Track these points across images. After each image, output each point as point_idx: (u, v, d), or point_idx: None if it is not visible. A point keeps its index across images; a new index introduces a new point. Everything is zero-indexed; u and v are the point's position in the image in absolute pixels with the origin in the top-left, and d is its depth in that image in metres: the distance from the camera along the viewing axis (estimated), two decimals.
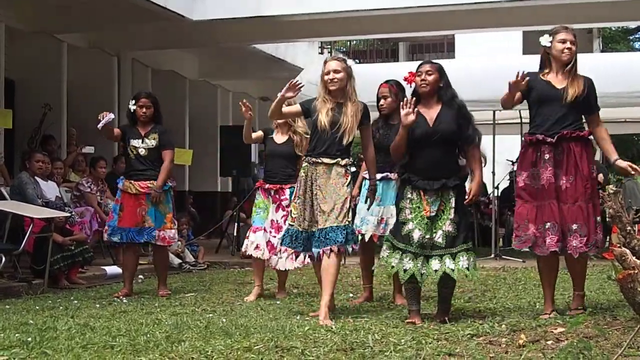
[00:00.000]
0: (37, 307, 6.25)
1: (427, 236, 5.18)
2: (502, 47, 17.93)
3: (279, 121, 6.79)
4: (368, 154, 5.85)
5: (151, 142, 7.17)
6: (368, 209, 6.29)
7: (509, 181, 12.92)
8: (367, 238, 6.32)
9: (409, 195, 5.28)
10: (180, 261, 9.71)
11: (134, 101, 7.22)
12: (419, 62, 5.52)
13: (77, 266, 8.25)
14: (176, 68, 14.89)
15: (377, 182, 6.08)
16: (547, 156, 5.32)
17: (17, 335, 4.75)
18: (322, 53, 17.46)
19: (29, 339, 4.56)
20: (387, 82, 6.48)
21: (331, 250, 5.48)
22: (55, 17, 11.32)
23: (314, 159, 5.63)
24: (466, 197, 5.30)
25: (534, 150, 5.39)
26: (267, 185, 6.97)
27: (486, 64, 11.24)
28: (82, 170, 10.68)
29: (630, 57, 13.86)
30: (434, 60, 5.59)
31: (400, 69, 12.87)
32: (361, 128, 5.73)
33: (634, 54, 19.37)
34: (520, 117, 11.63)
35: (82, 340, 4.55)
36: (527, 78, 5.34)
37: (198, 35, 12.23)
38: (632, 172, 5.31)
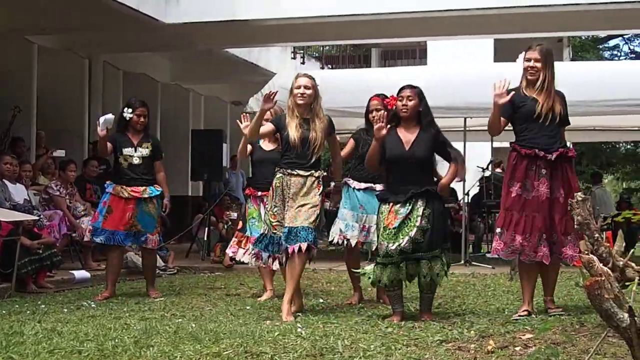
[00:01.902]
0: (4, 312, 6.16)
1: (392, 246, 5.45)
2: (473, 55, 18.06)
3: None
4: (336, 162, 6.35)
5: (145, 151, 7.25)
6: (337, 213, 6.71)
7: (478, 187, 13.00)
8: (353, 243, 6.64)
9: (382, 209, 5.64)
10: (165, 265, 9.69)
11: (130, 109, 7.25)
12: (401, 86, 5.77)
13: (45, 270, 8.15)
14: (148, 71, 14.80)
15: (361, 191, 6.61)
16: (544, 171, 5.60)
17: None
18: (294, 58, 17.44)
19: None
20: (377, 95, 6.67)
21: (300, 249, 5.73)
22: (26, 19, 11.20)
23: (288, 171, 5.90)
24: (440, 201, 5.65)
25: (528, 162, 5.63)
26: (259, 193, 7.06)
27: (458, 71, 11.32)
28: (51, 173, 10.56)
29: (600, 66, 14.01)
30: (414, 85, 5.80)
31: (372, 75, 12.97)
32: (329, 139, 6.10)
33: (603, 63, 19.60)
34: None
35: (49, 345, 4.50)
36: (512, 93, 5.56)
37: (171, 38, 12.17)
38: None
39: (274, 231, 5.90)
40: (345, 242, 6.67)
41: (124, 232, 7.16)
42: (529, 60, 5.69)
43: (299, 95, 5.93)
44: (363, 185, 6.60)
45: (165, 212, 7.37)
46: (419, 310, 5.74)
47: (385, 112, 5.72)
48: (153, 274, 7.61)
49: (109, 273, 7.41)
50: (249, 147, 7.07)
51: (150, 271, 7.55)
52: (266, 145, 7.10)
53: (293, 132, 5.90)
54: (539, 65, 5.65)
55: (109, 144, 7.20)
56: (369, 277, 5.65)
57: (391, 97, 5.88)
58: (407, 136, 5.65)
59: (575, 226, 4.92)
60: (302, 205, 5.80)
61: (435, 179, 5.70)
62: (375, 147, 5.66)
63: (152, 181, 7.30)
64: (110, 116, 7.11)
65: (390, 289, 5.58)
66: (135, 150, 7.22)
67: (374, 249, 6.52)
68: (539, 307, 5.82)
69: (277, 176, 5.95)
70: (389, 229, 5.49)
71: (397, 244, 5.44)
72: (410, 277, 5.53)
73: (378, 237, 5.64)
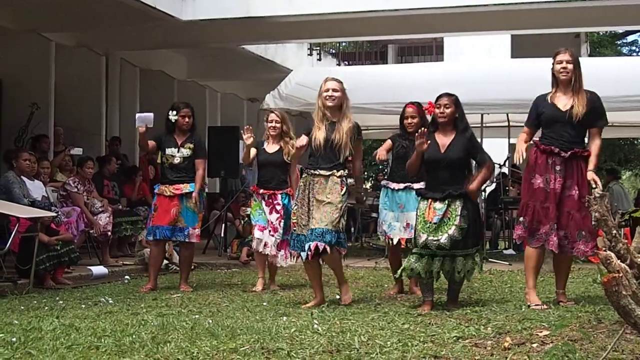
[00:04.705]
0: (22, 307, 6.22)
1: (431, 238, 5.83)
2: (490, 51, 18.00)
3: (272, 133, 7.57)
4: (356, 165, 6.48)
5: (186, 151, 7.58)
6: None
7: (495, 184, 12.94)
8: (395, 242, 7.01)
9: (420, 205, 6.01)
10: (167, 262, 9.65)
11: (175, 112, 7.61)
12: (438, 94, 6.10)
13: (63, 266, 8.21)
14: (165, 68, 14.85)
15: (400, 191, 6.98)
16: (558, 167, 5.86)
17: (1, 335, 4.72)
18: (311, 55, 17.44)
19: (14, 339, 4.54)
20: (412, 103, 7.03)
21: (325, 249, 6.00)
22: (44, 16, 11.27)
23: (312, 171, 6.19)
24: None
25: (547, 157, 5.90)
26: (261, 191, 7.60)
27: (474, 67, 11.29)
28: (69, 170, 10.64)
29: (618, 62, 13.89)
30: (451, 93, 6.13)
31: (389, 71, 12.93)
32: (354, 144, 6.27)
33: (621, 58, 19.43)
34: (508, 121, 11.68)
35: (67, 341, 4.54)
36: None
37: (187, 35, 12.21)
38: (594, 185, 5.74)
39: (294, 229, 6.24)
40: (389, 241, 7.06)
41: (169, 227, 7.47)
42: (560, 62, 5.92)
43: (327, 97, 6.20)
44: (402, 185, 6.97)
45: (191, 206, 7.53)
46: (446, 299, 6.14)
47: (425, 129, 5.99)
48: (188, 268, 7.89)
49: (150, 266, 7.82)
50: (254, 150, 7.55)
51: (186, 265, 7.83)
52: (270, 147, 7.60)
53: (317, 134, 6.18)
54: (570, 66, 5.90)
55: (150, 142, 7.53)
56: (404, 268, 5.96)
57: (429, 104, 6.19)
58: (444, 140, 6.03)
59: (593, 222, 4.95)
60: (326, 205, 6.05)
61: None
62: (417, 157, 6.03)
63: (193, 179, 7.56)
64: (146, 115, 7.40)
65: (422, 278, 5.91)
66: (178, 151, 7.55)
67: (395, 242, 7.01)
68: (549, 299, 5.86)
69: (303, 177, 6.26)
70: (430, 222, 5.86)
71: (436, 238, 5.81)
72: (446, 272, 5.92)
73: (416, 230, 5.95)
